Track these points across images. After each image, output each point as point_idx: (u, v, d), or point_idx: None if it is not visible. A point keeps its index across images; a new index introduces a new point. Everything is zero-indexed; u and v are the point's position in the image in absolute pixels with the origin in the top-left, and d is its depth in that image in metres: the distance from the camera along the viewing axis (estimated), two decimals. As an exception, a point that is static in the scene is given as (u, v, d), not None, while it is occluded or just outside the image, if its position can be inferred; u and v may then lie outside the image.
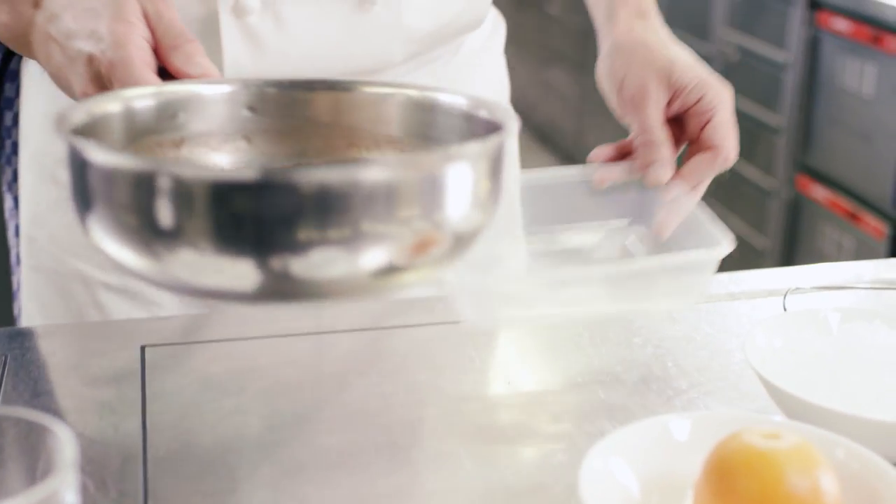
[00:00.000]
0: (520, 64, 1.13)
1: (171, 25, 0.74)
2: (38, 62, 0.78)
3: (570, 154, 4.17)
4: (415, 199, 0.59)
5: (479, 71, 1.12)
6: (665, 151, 0.91)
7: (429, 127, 0.72)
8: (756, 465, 0.63)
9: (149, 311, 1.02)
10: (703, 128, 0.92)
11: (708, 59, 3.21)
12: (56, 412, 0.81)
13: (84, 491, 0.72)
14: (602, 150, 0.93)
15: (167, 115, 0.71)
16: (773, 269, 1.10)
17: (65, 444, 0.55)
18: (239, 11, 0.91)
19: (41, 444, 0.56)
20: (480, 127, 0.68)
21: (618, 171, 0.92)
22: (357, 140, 0.73)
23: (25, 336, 0.93)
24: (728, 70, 3.13)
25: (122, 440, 0.78)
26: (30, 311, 1.06)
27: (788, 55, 2.83)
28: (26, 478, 0.57)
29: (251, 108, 0.73)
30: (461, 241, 0.62)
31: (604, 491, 0.65)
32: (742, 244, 3.05)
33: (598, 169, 0.92)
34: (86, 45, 0.73)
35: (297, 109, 0.74)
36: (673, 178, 0.91)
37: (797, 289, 0.99)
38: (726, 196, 3.17)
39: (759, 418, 0.74)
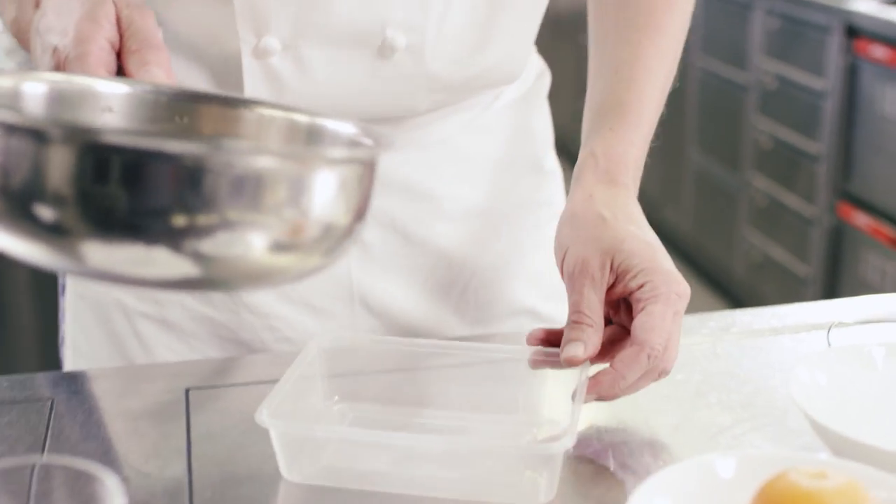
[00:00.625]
0: (555, 95, 1.12)
1: (139, 31, 0.75)
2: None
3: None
4: (282, 188, 0.56)
5: (519, 121, 1.09)
6: (588, 333, 0.82)
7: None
8: (803, 505, 0.62)
9: (186, 343, 1.03)
10: (634, 319, 0.82)
11: (746, 87, 3.21)
12: (102, 456, 0.82)
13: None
14: (537, 332, 0.87)
15: (50, 103, 0.70)
16: (816, 303, 1.10)
17: (114, 494, 0.55)
18: (259, 53, 0.92)
19: (91, 492, 0.57)
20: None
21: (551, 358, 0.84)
22: None
23: (71, 380, 0.94)
24: (766, 98, 3.12)
25: (167, 483, 0.79)
26: (74, 337, 1.07)
27: (827, 83, 2.82)
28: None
29: (109, 109, 0.71)
30: (326, 233, 0.59)
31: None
32: (784, 273, 3.04)
33: (533, 352, 0.85)
34: (55, 39, 0.75)
35: (183, 118, 0.72)
36: (600, 360, 0.83)
37: (840, 323, 0.99)
38: (767, 224, 3.15)
39: (805, 457, 0.73)
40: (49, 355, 2.51)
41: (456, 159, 1.05)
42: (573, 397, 0.79)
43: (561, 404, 0.81)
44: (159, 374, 0.96)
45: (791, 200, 3.00)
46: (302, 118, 0.72)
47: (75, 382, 0.93)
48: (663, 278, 0.83)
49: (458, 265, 1.07)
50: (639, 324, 0.81)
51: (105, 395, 0.92)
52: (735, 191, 3.31)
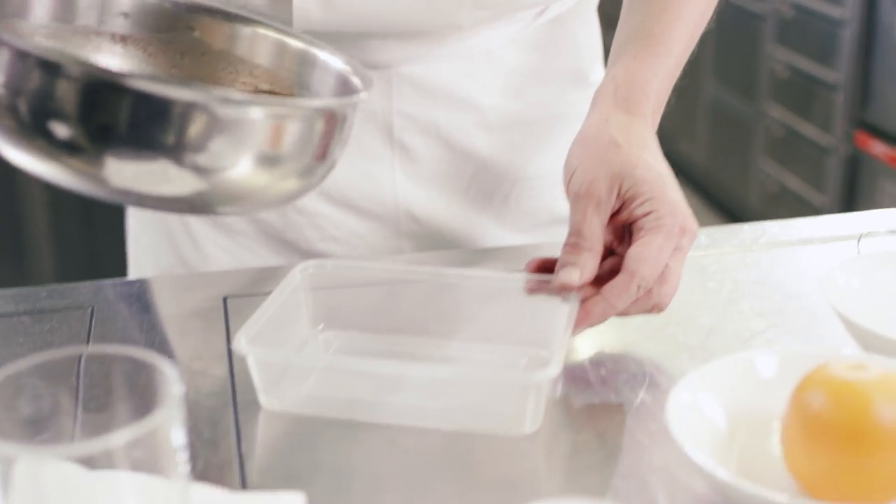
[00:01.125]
0: (606, 4, 1.12)
1: None
2: None
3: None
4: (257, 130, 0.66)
5: (565, 34, 1.08)
6: (585, 258, 0.81)
7: (300, 76, 0.82)
8: (843, 395, 0.63)
9: (234, 240, 1.06)
10: (631, 246, 0.81)
11: (762, 16, 3.19)
12: (145, 360, 0.83)
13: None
14: (534, 260, 0.85)
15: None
16: (845, 215, 1.10)
17: (171, 382, 0.56)
18: None
19: (148, 381, 0.58)
20: (347, 90, 0.78)
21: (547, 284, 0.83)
22: (228, 65, 0.82)
23: (110, 288, 0.95)
24: (783, 27, 3.10)
25: (211, 385, 0.80)
26: (136, 233, 1.13)
27: (845, 11, 2.80)
28: (133, 414, 0.59)
29: (125, 15, 0.80)
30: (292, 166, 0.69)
31: (691, 424, 0.66)
32: (800, 203, 3.04)
33: (528, 279, 0.83)
34: None
35: (178, 26, 0.81)
36: (591, 286, 0.81)
37: (870, 233, 0.99)
38: (783, 155, 3.15)
39: (844, 354, 0.74)
40: (63, 269, 2.54)
41: (500, 71, 1.05)
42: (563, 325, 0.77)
43: (554, 333, 0.80)
44: (198, 282, 0.97)
45: (807, 130, 2.99)
46: (296, 43, 0.81)
47: (115, 291, 0.94)
48: (669, 209, 0.81)
49: (501, 174, 1.08)
50: (633, 252, 0.80)
51: (145, 303, 0.93)
52: (751, 121, 3.30)
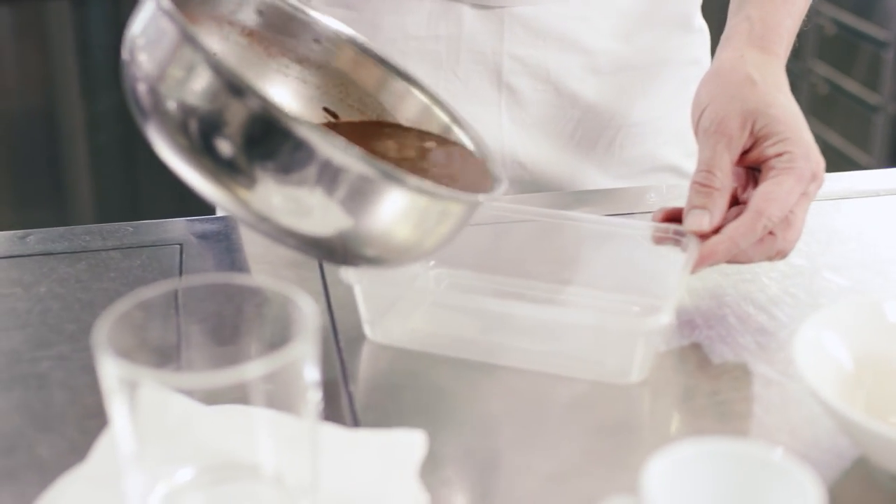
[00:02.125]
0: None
1: None
2: None
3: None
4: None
5: None
6: (714, 198, 0.78)
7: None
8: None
9: None
10: (759, 185, 0.79)
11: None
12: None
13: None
14: (664, 210, 0.82)
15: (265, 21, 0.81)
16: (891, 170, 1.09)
17: (307, 316, 0.55)
18: None
19: (282, 314, 0.57)
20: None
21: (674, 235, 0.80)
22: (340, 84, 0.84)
23: (197, 225, 0.93)
24: (832, -18, 3.06)
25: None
26: None
27: (898, -34, 2.76)
28: (265, 348, 0.58)
29: (260, 12, 0.82)
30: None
31: (817, 362, 0.64)
32: (845, 162, 3.00)
33: (658, 228, 0.81)
34: None
35: (304, 35, 0.83)
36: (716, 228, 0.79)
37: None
38: (828, 113, 3.12)
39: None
40: (104, 212, 2.53)
41: (610, 13, 1.04)
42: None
43: (667, 281, 0.78)
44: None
45: (853, 87, 2.95)
46: (442, 116, 0.82)
47: (202, 228, 0.93)
48: (803, 152, 0.79)
49: (606, 119, 1.06)
50: (762, 191, 0.77)
51: (233, 240, 0.92)
52: (795, 78, 3.26)
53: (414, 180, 0.64)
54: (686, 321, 0.79)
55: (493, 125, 1.04)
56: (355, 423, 0.68)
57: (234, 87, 0.63)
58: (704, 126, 0.81)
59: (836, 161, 3.05)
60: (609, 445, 0.68)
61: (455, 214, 0.69)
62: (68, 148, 2.53)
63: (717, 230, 0.79)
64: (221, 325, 0.58)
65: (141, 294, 0.56)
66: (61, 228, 0.93)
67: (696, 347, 0.76)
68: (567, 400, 0.71)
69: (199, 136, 0.64)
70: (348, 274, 0.73)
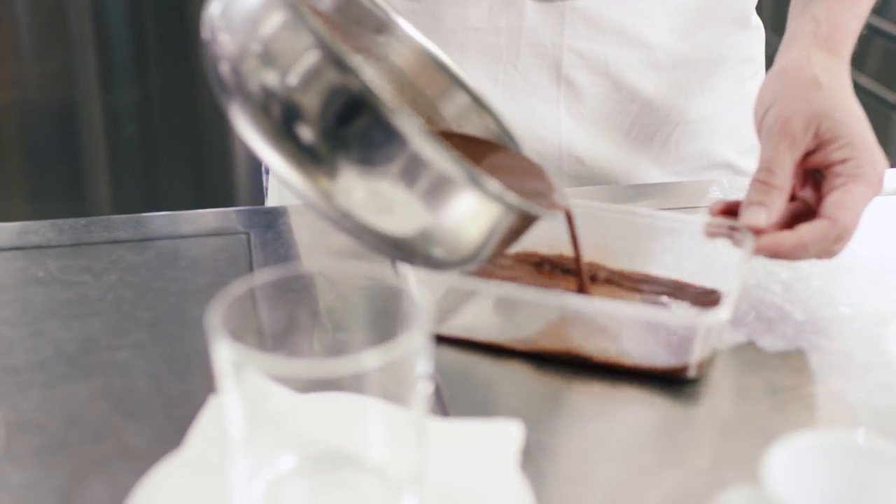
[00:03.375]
0: None
1: None
2: None
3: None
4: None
5: None
6: (773, 196, 0.77)
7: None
8: None
9: None
10: (830, 192, 0.78)
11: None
12: (314, 286, 0.81)
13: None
14: (718, 204, 0.82)
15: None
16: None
17: (421, 309, 0.54)
18: None
19: (394, 306, 0.56)
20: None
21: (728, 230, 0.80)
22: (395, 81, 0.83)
23: (266, 214, 0.93)
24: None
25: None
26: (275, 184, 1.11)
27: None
28: (376, 339, 0.57)
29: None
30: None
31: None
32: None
33: (708, 221, 0.80)
34: None
35: (368, 23, 0.82)
36: (777, 230, 0.78)
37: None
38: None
39: None
40: (124, 203, 2.53)
41: (670, 9, 1.03)
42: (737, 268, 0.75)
43: (725, 277, 0.77)
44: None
45: (869, 84, 2.95)
46: (495, 127, 0.82)
47: (271, 217, 0.92)
48: (869, 157, 0.78)
49: (664, 115, 1.06)
50: (836, 199, 0.77)
51: (301, 229, 0.91)
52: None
53: (495, 186, 0.64)
54: (763, 313, 0.79)
55: (552, 119, 1.04)
56: (445, 414, 0.68)
57: (337, 63, 0.61)
58: (768, 125, 0.81)
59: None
60: (692, 437, 0.68)
61: (521, 224, 0.68)
62: (87, 141, 2.52)
63: (779, 227, 0.78)
64: (328, 315, 0.58)
65: (253, 279, 0.55)
66: (124, 216, 0.93)
67: (775, 339, 0.76)
68: (644, 394, 0.71)
69: (286, 117, 0.63)
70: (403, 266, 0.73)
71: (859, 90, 2.91)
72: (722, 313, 0.69)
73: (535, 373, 0.72)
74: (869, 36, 2.93)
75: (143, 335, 0.76)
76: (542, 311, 0.72)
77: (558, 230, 0.78)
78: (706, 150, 1.09)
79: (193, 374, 0.71)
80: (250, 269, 0.84)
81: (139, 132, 2.55)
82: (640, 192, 1.03)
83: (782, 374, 0.73)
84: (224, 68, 0.65)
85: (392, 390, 0.55)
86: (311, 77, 0.61)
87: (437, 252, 0.66)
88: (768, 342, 0.76)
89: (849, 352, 0.75)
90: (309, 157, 0.63)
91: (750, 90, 0.85)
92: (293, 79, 0.62)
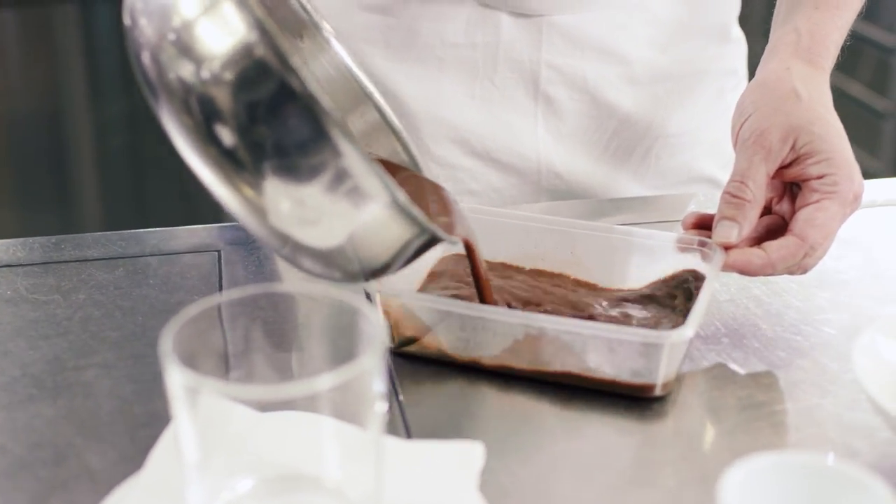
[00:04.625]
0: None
1: None
2: None
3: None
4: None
5: None
6: (745, 211, 0.77)
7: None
8: None
9: None
10: (801, 208, 0.77)
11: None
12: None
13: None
14: (690, 217, 0.81)
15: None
16: None
17: (375, 327, 0.54)
18: None
19: (348, 325, 0.56)
20: None
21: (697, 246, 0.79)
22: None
23: (237, 230, 0.93)
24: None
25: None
26: None
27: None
28: (331, 358, 0.57)
29: None
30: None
31: (875, 368, 0.64)
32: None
33: (681, 238, 0.79)
34: None
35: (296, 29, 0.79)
36: (750, 243, 0.78)
37: None
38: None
39: None
40: (111, 219, 2.52)
41: (649, 22, 1.03)
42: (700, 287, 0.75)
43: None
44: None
45: (860, 92, 2.95)
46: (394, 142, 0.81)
47: (238, 235, 0.92)
48: (847, 174, 0.77)
49: (643, 130, 1.06)
50: (807, 216, 0.76)
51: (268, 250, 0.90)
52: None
53: (415, 209, 0.62)
54: (733, 330, 0.79)
55: (530, 134, 1.03)
56: (408, 434, 0.68)
57: (275, 53, 0.56)
58: (744, 136, 0.80)
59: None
60: (657, 456, 0.67)
61: (426, 246, 0.67)
62: (75, 152, 2.52)
63: (752, 241, 0.78)
64: (285, 334, 0.58)
65: (206, 302, 0.55)
66: (96, 234, 0.92)
67: (745, 357, 0.76)
68: (610, 413, 0.71)
69: (206, 113, 0.58)
70: (371, 284, 0.72)
71: (849, 99, 2.90)
72: (686, 330, 0.69)
73: (502, 393, 0.72)
74: (858, 44, 2.94)
75: (110, 355, 0.76)
76: (507, 329, 0.72)
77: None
78: (687, 165, 1.09)
79: (159, 395, 0.70)
80: (220, 286, 0.84)
81: (127, 143, 2.55)
82: (618, 206, 1.03)
83: (752, 390, 0.72)
84: (145, 59, 0.60)
85: (348, 410, 0.54)
86: (244, 70, 0.56)
87: (354, 267, 0.65)
88: (739, 359, 0.76)
89: (820, 368, 0.75)
90: (231, 162, 0.59)
91: (731, 103, 0.84)
92: (223, 70, 0.57)
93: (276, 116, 0.57)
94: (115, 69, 2.49)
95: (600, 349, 0.70)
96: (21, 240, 0.91)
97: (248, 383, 0.58)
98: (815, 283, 0.84)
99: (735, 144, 0.82)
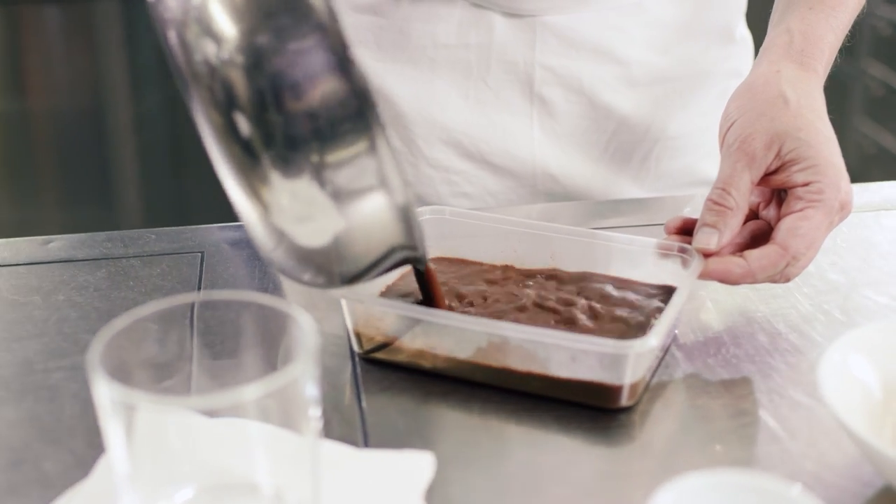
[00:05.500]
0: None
1: None
2: None
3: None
4: None
5: None
6: (727, 218, 0.75)
7: None
8: None
9: None
10: (785, 216, 0.75)
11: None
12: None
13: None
14: (675, 221, 0.80)
15: None
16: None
17: (307, 333, 0.54)
18: None
19: (280, 330, 0.55)
20: None
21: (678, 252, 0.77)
22: None
23: (222, 231, 0.92)
24: None
25: (328, 336, 0.77)
26: None
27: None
28: (263, 364, 0.57)
29: None
30: None
31: (844, 387, 0.62)
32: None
33: (661, 244, 0.78)
34: None
35: None
36: (734, 250, 0.76)
37: None
38: (882, 115, 3.06)
39: None
40: (152, 215, 2.54)
41: (647, 23, 1.01)
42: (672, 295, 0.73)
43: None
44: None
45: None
46: None
47: (224, 236, 0.92)
48: (832, 182, 0.75)
49: (642, 132, 1.04)
50: (790, 225, 0.74)
51: (251, 245, 0.90)
52: (849, 79, 3.21)
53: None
54: (713, 338, 0.77)
55: (525, 136, 1.02)
56: (366, 442, 0.67)
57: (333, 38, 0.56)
58: (729, 141, 0.78)
59: (891, 166, 3.00)
60: (619, 469, 0.66)
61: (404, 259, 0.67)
62: (116, 147, 2.54)
63: (736, 248, 0.77)
64: (220, 342, 0.57)
65: (136, 312, 0.55)
66: (84, 235, 0.93)
67: (723, 367, 0.74)
68: (574, 425, 0.69)
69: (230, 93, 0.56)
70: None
71: None
72: (651, 340, 0.67)
73: (467, 402, 0.71)
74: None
75: (80, 358, 0.76)
76: (471, 337, 0.71)
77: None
78: (689, 168, 1.07)
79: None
80: (199, 289, 0.84)
81: (168, 138, 2.56)
82: (619, 207, 1.01)
83: (726, 401, 0.71)
84: (172, 37, 0.58)
85: (283, 417, 0.54)
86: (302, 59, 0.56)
87: (342, 268, 0.64)
88: (714, 368, 0.74)
89: (796, 380, 0.73)
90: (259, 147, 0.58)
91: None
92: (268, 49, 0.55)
93: (322, 101, 0.56)
94: (156, 64, 2.50)
95: (563, 359, 0.69)
96: (6, 240, 0.92)
97: (182, 393, 0.58)
98: (784, 295, 0.82)
99: (720, 149, 0.80)
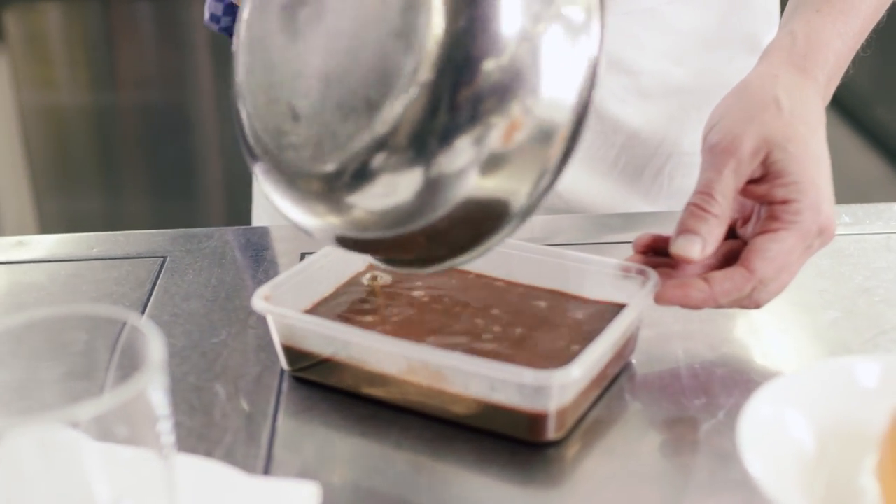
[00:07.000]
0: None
1: None
2: None
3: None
4: None
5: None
6: (711, 226, 0.68)
7: None
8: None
9: None
10: (757, 235, 0.69)
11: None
12: (203, 317, 0.77)
13: (215, 397, 0.69)
14: (644, 237, 0.74)
15: None
16: None
17: (154, 345, 0.50)
18: None
19: (132, 344, 0.52)
20: None
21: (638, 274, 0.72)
22: None
23: (192, 237, 0.90)
24: None
25: (262, 351, 0.74)
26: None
27: None
28: (118, 380, 0.54)
29: None
30: None
31: (771, 442, 0.56)
32: None
33: (623, 265, 0.73)
34: None
35: None
36: (700, 272, 0.70)
37: None
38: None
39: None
40: (235, 212, 2.55)
41: (662, 31, 0.95)
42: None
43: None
44: (277, 236, 0.92)
45: None
46: None
47: (191, 241, 0.89)
48: (812, 203, 0.69)
49: (654, 146, 0.98)
50: (760, 246, 0.68)
51: (219, 255, 0.87)
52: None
53: None
54: (668, 370, 0.71)
55: None
56: (266, 468, 0.63)
57: None
58: (713, 142, 0.71)
59: None
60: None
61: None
62: (201, 142, 2.56)
63: (704, 270, 0.71)
64: (70, 358, 0.54)
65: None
66: (58, 235, 0.91)
67: (671, 401, 0.69)
68: (493, 460, 0.64)
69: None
70: (258, 302, 0.69)
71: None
72: (574, 370, 0.62)
73: (383, 429, 0.66)
74: None
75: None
76: (391, 360, 0.66)
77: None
78: None
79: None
80: (150, 295, 0.81)
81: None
82: (630, 221, 0.95)
83: (667, 437, 0.65)
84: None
85: (130, 433, 0.50)
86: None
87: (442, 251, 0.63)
88: (651, 403, 0.68)
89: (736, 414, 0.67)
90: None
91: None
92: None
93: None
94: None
95: (482, 387, 0.64)
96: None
97: (29, 413, 0.55)
98: (741, 321, 0.76)
99: (702, 150, 0.73)
